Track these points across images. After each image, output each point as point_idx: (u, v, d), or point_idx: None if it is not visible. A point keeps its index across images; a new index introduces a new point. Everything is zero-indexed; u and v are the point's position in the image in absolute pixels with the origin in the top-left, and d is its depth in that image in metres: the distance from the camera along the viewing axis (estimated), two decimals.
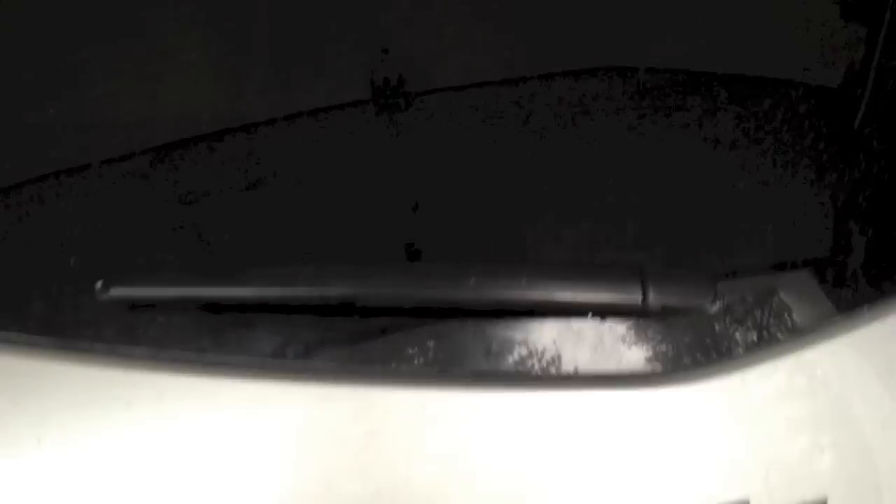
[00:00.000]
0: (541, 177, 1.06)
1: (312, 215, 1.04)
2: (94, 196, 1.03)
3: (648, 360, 0.99)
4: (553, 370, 0.98)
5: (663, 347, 0.99)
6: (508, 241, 1.04)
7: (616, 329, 0.99)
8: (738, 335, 0.99)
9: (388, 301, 0.93)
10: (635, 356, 0.99)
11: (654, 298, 0.92)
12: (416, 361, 0.95)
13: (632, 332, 0.99)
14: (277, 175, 1.06)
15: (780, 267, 1.04)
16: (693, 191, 1.07)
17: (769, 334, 0.99)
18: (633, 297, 0.92)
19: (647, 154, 1.08)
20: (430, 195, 1.05)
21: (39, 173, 1.04)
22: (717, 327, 0.99)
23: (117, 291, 0.91)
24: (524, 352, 0.98)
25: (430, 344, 0.96)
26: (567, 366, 0.97)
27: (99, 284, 0.91)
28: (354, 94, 1.12)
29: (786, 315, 1.00)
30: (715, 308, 0.95)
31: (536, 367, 0.98)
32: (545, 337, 0.98)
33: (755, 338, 1.00)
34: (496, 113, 1.10)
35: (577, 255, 1.03)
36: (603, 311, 0.95)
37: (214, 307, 0.94)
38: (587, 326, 0.99)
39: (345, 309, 0.92)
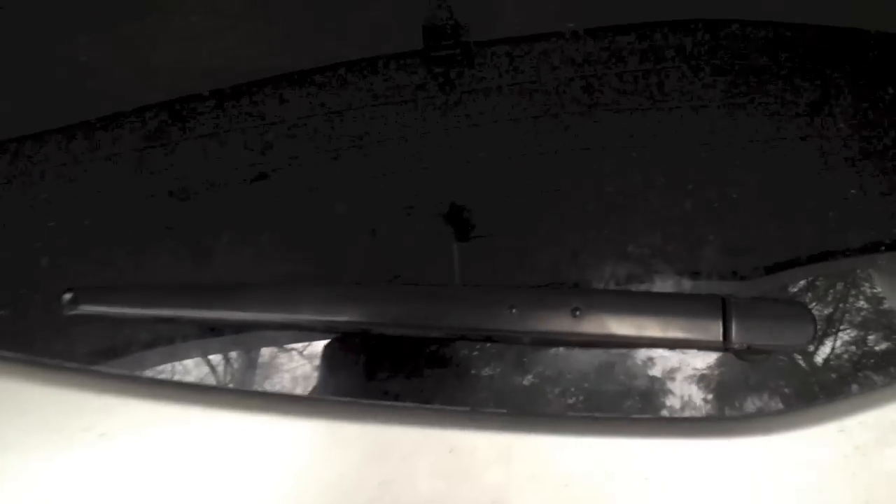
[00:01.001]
0: (605, 163, 0.88)
1: (331, 213, 0.88)
2: (74, 184, 0.88)
3: (730, 400, 0.83)
4: (610, 411, 0.82)
5: (749, 387, 0.83)
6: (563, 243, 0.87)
7: (693, 364, 0.82)
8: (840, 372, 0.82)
9: (426, 331, 0.76)
10: (715, 396, 0.83)
11: (738, 336, 0.74)
12: (443, 396, 0.80)
13: (712, 368, 0.82)
14: (292, 163, 0.89)
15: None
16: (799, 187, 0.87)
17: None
18: (712, 333, 0.74)
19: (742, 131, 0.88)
20: (478, 186, 0.87)
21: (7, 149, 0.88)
22: (814, 365, 0.82)
23: (87, 308, 0.76)
24: (570, 387, 0.82)
25: (461, 375, 0.81)
26: (628, 406, 0.81)
27: (67, 297, 0.76)
28: (400, 42, 0.93)
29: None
30: (812, 347, 0.78)
31: (587, 405, 0.82)
32: (601, 371, 0.82)
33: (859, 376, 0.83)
34: (559, 78, 0.90)
35: (645, 266, 0.85)
36: (677, 346, 0.78)
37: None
38: (658, 359, 0.82)
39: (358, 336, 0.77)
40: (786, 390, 0.83)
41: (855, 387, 0.84)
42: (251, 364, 0.84)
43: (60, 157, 0.90)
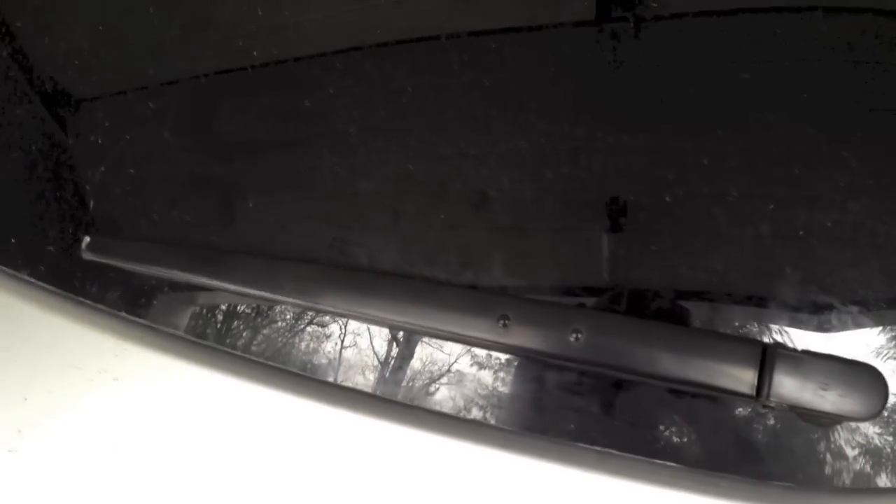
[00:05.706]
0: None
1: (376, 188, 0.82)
2: (116, 130, 0.90)
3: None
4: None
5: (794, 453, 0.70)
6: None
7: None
8: None
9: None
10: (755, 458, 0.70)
11: (776, 393, 0.62)
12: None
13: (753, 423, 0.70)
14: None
15: None
16: None
17: None
18: (743, 385, 0.63)
19: None
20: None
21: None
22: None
23: (98, 256, 0.79)
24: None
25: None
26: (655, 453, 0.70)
27: (84, 242, 0.79)
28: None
29: None
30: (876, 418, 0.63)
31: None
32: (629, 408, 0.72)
33: None
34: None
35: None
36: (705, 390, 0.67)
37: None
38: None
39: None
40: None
41: None
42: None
43: (120, 115, 0.93)
